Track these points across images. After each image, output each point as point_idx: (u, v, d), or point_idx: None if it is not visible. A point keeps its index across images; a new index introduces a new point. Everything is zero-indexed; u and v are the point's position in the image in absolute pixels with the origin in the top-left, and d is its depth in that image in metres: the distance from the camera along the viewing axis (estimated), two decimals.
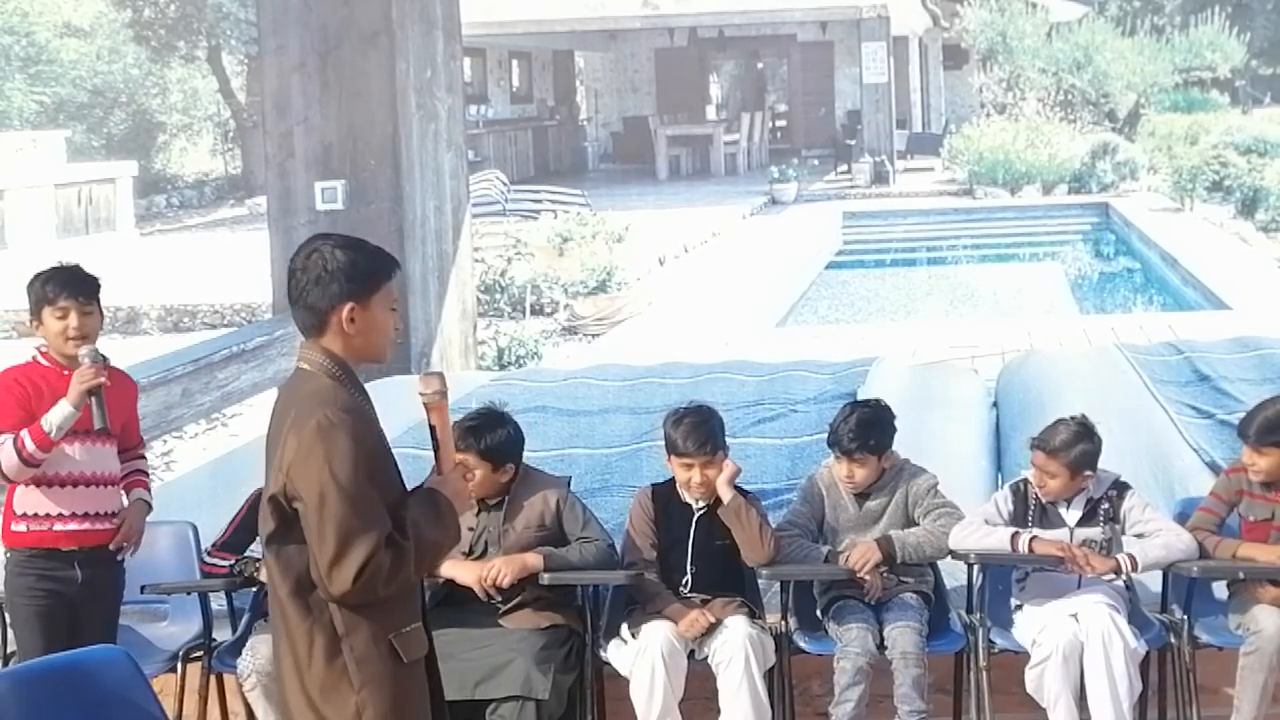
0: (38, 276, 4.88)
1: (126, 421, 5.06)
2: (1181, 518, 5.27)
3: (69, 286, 4.83)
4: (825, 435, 5.38)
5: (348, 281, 3.47)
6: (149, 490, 5.14)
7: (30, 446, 4.70)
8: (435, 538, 3.50)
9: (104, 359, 4.84)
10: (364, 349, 3.51)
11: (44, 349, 4.89)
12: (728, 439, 5.27)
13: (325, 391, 3.42)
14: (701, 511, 5.21)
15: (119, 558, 4.97)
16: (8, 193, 24.21)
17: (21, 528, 4.82)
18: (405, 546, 3.40)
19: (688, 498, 5.23)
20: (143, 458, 5.22)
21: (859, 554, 5.15)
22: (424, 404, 3.58)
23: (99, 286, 4.91)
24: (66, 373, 4.81)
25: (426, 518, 3.48)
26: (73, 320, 4.81)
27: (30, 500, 4.81)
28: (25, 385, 4.79)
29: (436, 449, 3.60)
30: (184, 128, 35.34)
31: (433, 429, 3.59)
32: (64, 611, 4.80)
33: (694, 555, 5.20)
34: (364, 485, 3.36)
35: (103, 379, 4.76)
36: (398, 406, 5.58)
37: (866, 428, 5.22)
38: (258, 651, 5.06)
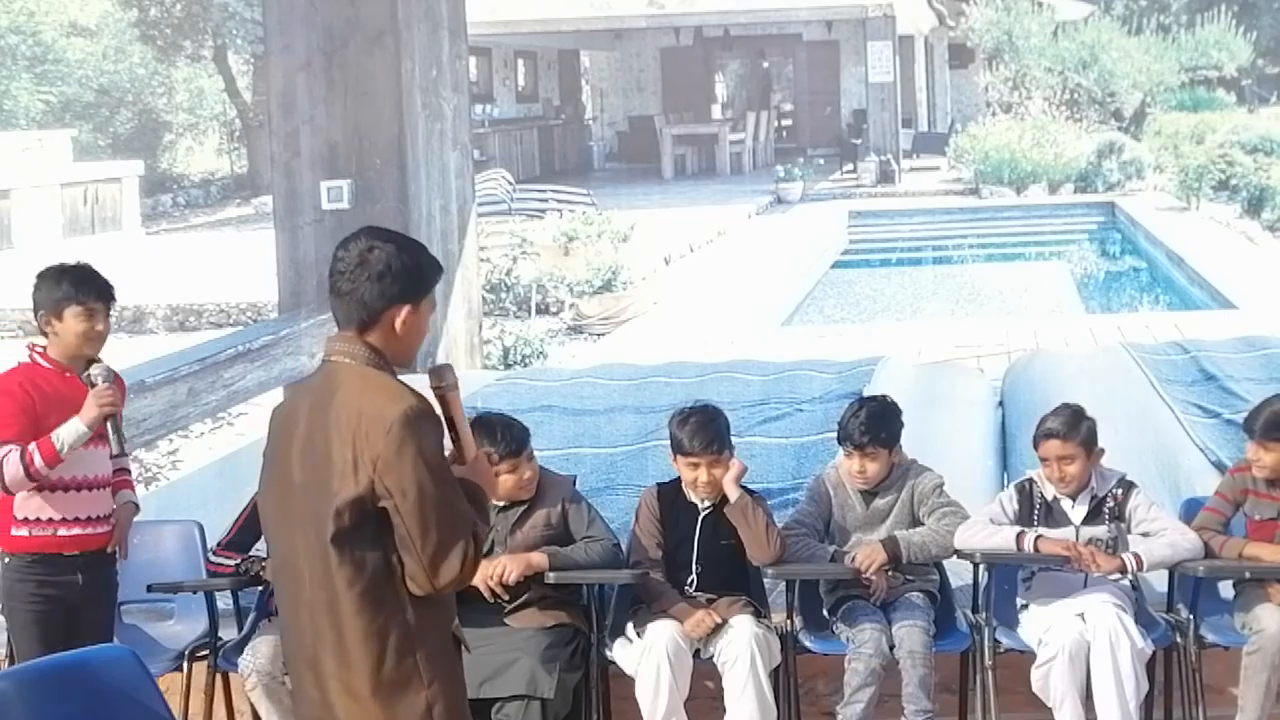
0: (56, 273, 4.76)
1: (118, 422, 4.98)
2: (1188, 517, 5.27)
3: (99, 288, 4.76)
4: (830, 434, 5.38)
5: (409, 283, 3.44)
6: (134, 490, 5.08)
7: (39, 462, 4.62)
8: (483, 526, 3.49)
9: (114, 376, 4.78)
10: (402, 352, 3.48)
11: (41, 349, 4.78)
12: (733, 438, 5.27)
13: (391, 384, 3.38)
14: (707, 511, 5.21)
15: (120, 560, 4.94)
16: (14, 192, 24.25)
17: (23, 533, 4.74)
18: (480, 533, 3.40)
19: (693, 497, 5.23)
20: (126, 455, 5.13)
21: (864, 555, 5.15)
22: (437, 396, 3.53)
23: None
24: (68, 374, 4.74)
25: (472, 506, 3.45)
26: (99, 324, 4.74)
27: (33, 505, 4.73)
28: (29, 390, 4.70)
29: (456, 440, 3.56)
30: (190, 127, 35.37)
31: (449, 420, 3.54)
32: (61, 615, 4.76)
33: (699, 554, 5.19)
34: (450, 474, 3.36)
35: (121, 405, 4.70)
36: None
37: (877, 421, 5.22)
38: (259, 651, 5.06)
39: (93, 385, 4.71)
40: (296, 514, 3.40)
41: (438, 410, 3.51)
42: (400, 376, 3.49)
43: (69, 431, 4.64)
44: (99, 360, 4.80)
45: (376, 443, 3.28)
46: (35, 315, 4.79)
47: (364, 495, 3.29)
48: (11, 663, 5.06)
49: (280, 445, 3.48)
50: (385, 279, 3.41)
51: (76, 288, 4.73)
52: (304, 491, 3.38)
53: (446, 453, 3.45)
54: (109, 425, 4.69)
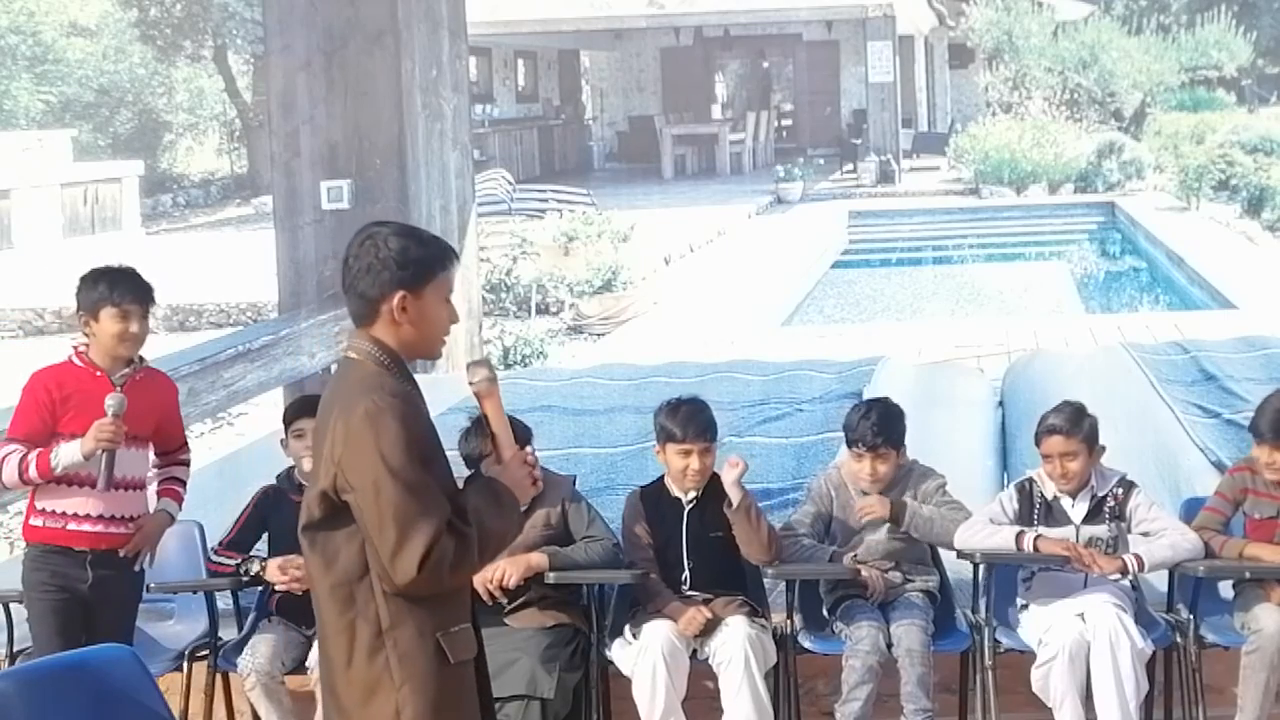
0: (96, 274, 4.82)
1: (164, 424, 5.02)
2: (1188, 517, 5.27)
3: (136, 290, 4.81)
4: (831, 434, 5.39)
5: (399, 269, 3.39)
6: (178, 502, 5.07)
7: (32, 472, 4.70)
8: (498, 527, 3.40)
9: (157, 376, 4.88)
10: (415, 341, 3.43)
11: (80, 348, 4.84)
12: (733, 438, 5.28)
13: (371, 378, 3.35)
14: (691, 504, 5.22)
15: (137, 567, 4.94)
16: (14, 192, 24.24)
17: (39, 523, 4.81)
18: (468, 533, 3.31)
19: (677, 491, 5.23)
20: (182, 463, 5.14)
21: (867, 503, 5.16)
22: (474, 392, 3.48)
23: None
24: (99, 374, 4.78)
25: (487, 506, 3.38)
26: (133, 325, 4.79)
27: (50, 497, 4.79)
28: (53, 391, 4.75)
29: (492, 438, 3.50)
30: (190, 127, 35.41)
31: (485, 418, 3.49)
32: (78, 610, 4.79)
33: (689, 550, 5.19)
34: (417, 470, 3.27)
35: (120, 442, 4.72)
36: None
37: (887, 422, 5.25)
38: (258, 650, 5.07)
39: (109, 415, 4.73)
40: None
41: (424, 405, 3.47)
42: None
43: (67, 454, 4.70)
44: (130, 366, 4.83)
45: (340, 436, 3.28)
46: (77, 315, 4.86)
47: (327, 489, 3.30)
48: (12, 662, 5.07)
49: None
50: (375, 268, 3.40)
51: (112, 289, 4.78)
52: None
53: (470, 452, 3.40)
54: (103, 458, 4.71)
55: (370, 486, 3.25)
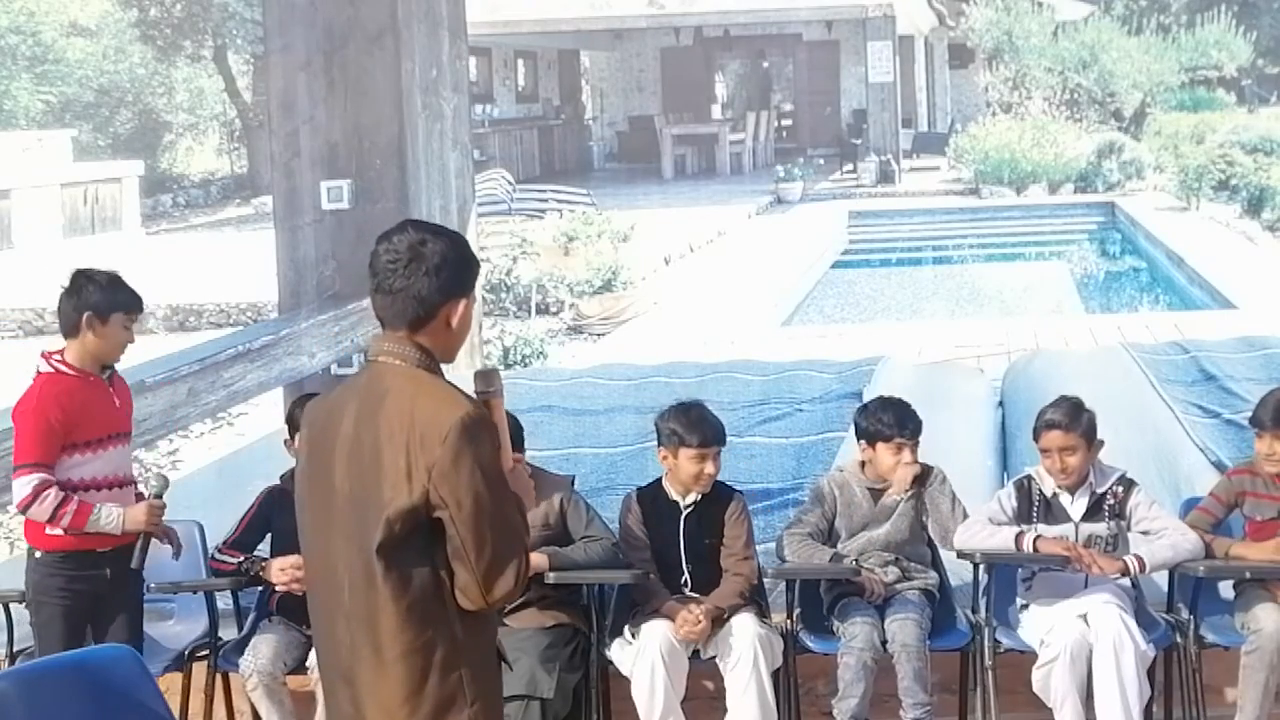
0: (108, 279, 4.79)
1: None
2: (1186, 517, 5.27)
3: (139, 301, 4.85)
4: (829, 435, 5.41)
5: (465, 276, 3.33)
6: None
7: (67, 521, 4.67)
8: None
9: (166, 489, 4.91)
10: (450, 349, 3.34)
11: (59, 358, 4.78)
12: (733, 438, 5.28)
13: (444, 389, 3.24)
14: (689, 509, 5.22)
15: (134, 564, 4.94)
16: (14, 192, 24.25)
17: (58, 531, 4.74)
18: (527, 544, 3.30)
19: (675, 495, 5.23)
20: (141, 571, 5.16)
21: (901, 476, 5.24)
22: (483, 400, 3.42)
23: None
24: (92, 378, 4.78)
25: None
26: (132, 334, 4.82)
27: (73, 507, 4.74)
28: (67, 409, 4.70)
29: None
30: (190, 127, 35.41)
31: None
32: (89, 608, 4.80)
33: (687, 554, 5.20)
34: (507, 485, 3.23)
35: (160, 530, 4.82)
36: None
37: (912, 411, 5.35)
38: (259, 651, 5.06)
39: (150, 495, 4.86)
40: (339, 521, 3.25)
41: None
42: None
43: (107, 520, 4.72)
44: (105, 370, 4.85)
45: (432, 450, 3.13)
46: (79, 314, 4.77)
47: (418, 504, 3.14)
48: (12, 662, 5.07)
49: (322, 449, 3.31)
50: (443, 273, 3.27)
51: (129, 299, 4.80)
52: (349, 498, 3.23)
53: None
54: (140, 539, 4.77)
55: (472, 502, 3.14)
